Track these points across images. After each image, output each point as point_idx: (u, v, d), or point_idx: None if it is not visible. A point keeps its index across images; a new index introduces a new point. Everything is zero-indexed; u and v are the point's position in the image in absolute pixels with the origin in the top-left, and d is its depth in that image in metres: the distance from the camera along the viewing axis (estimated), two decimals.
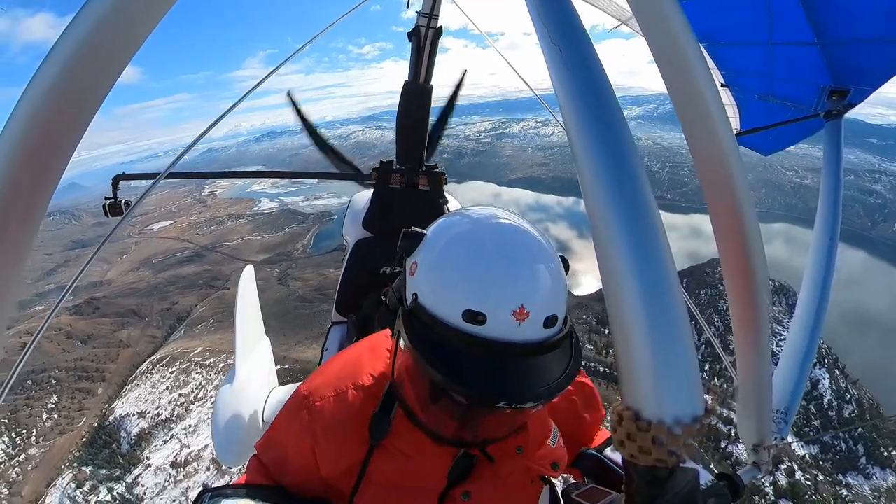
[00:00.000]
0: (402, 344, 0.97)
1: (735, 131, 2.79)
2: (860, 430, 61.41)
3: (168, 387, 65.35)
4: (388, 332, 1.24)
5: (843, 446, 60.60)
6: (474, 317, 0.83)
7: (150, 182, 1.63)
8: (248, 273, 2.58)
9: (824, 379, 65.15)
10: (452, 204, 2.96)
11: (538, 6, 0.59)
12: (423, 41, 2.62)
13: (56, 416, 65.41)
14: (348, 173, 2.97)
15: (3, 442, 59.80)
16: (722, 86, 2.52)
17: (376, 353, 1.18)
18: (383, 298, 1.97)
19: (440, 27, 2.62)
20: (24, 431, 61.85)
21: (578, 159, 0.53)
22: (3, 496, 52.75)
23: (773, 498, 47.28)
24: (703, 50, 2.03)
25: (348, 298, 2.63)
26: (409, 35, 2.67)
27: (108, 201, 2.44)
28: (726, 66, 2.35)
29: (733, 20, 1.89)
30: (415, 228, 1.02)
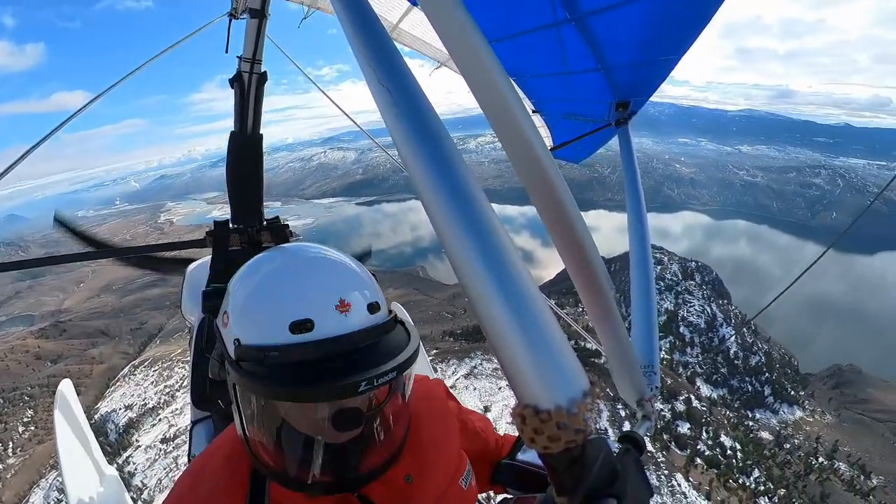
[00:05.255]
0: (240, 401, 0.95)
1: (549, 147, 3.31)
2: (767, 374, 74.92)
3: (153, 381, 71.31)
4: (232, 425, 1.09)
5: (750, 388, 74.34)
6: (302, 325, 0.86)
7: None
8: (66, 388, 2.43)
9: (730, 336, 79.74)
10: None
11: (366, 53, 0.67)
12: (248, 87, 2.52)
13: (33, 427, 70.02)
14: (182, 243, 2.73)
15: None
16: (533, 111, 3.02)
17: (224, 448, 1.09)
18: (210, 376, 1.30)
19: (265, 72, 2.55)
20: (0, 445, 66.36)
21: (420, 189, 0.58)
22: None
23: (669, 418, 59.72)
24: (514, 83, 2.36)
25: (205, 389, 2.07)
26: (231, 82, 2.54)
27: None
28: (535, 95, 2.84)
29: (535, 58, 2.27)
30: (213, 286, 1.06)
